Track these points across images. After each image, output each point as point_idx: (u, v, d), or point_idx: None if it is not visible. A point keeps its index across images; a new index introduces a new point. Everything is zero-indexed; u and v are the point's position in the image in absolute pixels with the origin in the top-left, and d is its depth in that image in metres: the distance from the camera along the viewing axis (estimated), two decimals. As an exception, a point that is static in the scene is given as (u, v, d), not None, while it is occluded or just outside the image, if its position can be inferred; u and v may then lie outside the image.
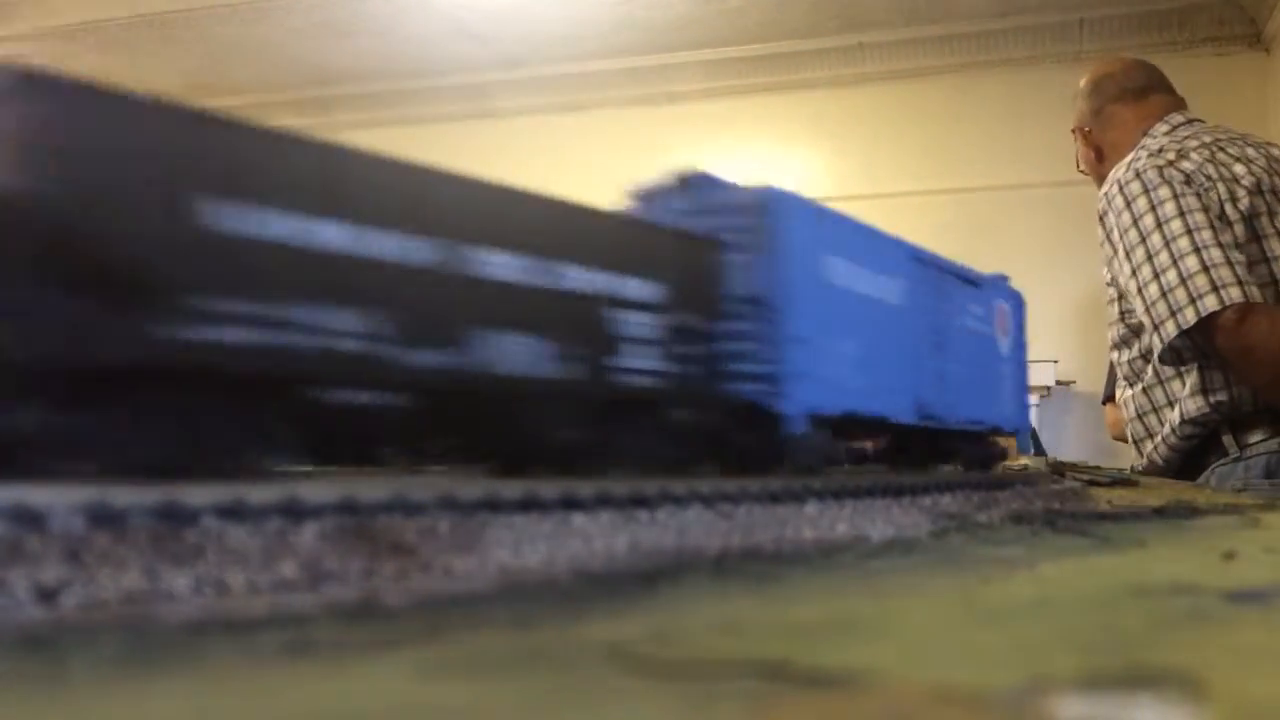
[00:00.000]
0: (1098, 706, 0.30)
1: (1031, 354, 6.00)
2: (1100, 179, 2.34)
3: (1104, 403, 3.61)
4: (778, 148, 6.52)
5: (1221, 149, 2.10)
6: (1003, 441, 1.75)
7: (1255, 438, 2.05)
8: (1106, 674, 0.34)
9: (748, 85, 6.50)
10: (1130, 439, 2.40)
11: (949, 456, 1.55)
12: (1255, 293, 1.93)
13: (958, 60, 6.17)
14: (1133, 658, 0.37)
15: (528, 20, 5.99)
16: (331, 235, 0.74)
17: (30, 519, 0.45)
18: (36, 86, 0.59)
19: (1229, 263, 1.93)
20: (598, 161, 6.71)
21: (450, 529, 0.58)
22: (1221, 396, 2.05)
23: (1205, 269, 1.93)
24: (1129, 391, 2.31)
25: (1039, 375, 5.70)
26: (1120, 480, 1.89)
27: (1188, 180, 2.02)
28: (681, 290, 1.04)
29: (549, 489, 0.67)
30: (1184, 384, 2.13)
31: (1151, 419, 2.27)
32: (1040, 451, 5.41)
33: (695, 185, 1.23)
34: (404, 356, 0.75)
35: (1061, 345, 5.83)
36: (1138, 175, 2.06)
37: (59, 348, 0.57)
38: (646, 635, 0.40)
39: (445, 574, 0.56)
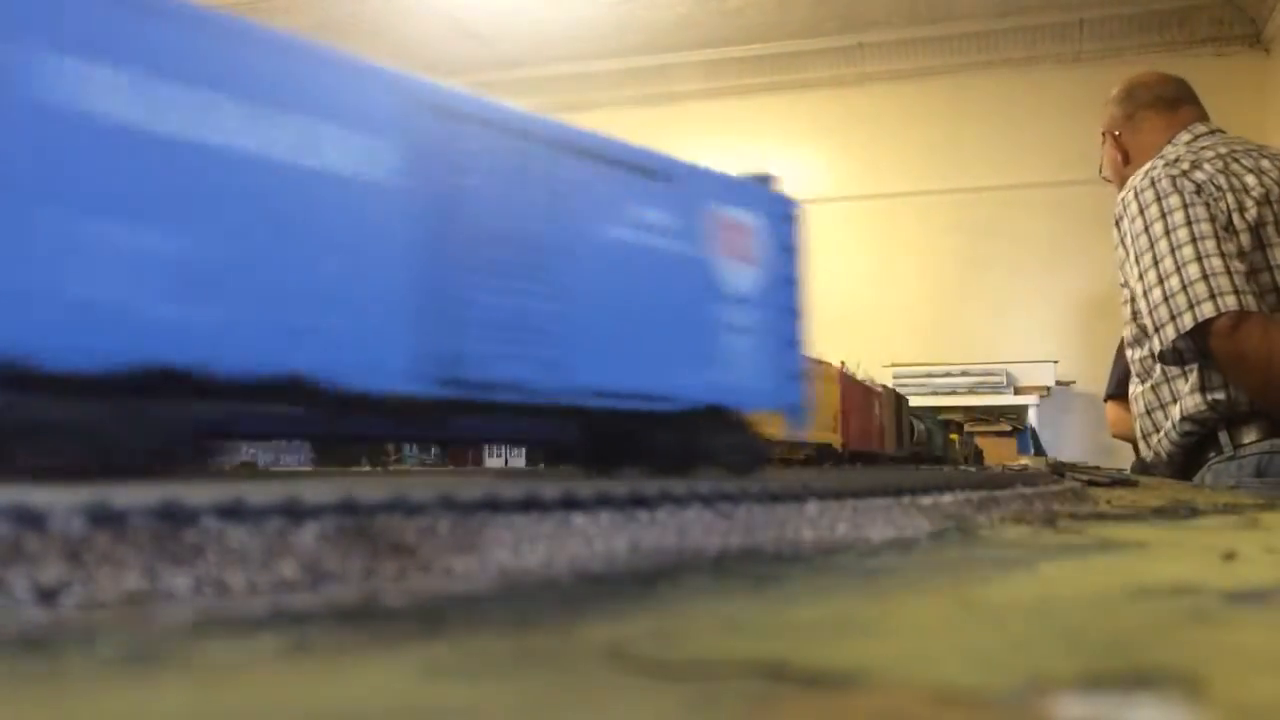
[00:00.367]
0: (1098, 707, 0.30)
1: (1031, 354, 5.92)
2: (1122, 183, 2.42)
3: (1106, 400, 3.61)
4: (778, 148, 6.52)
5: (1236, 160, 2.18)
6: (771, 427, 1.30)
7: (1249, 437, 2.16)
8: (1106, 674, 0.34)
9: (748, 85, 6.50)
10: (1139, 433, 2.49)
11: (638, 454, 1.08)
12: (1251, 301, 2.03)
13: (958, 60, 6.18)
14: (1133, 658, 0.37)
15: (528, 20, 5.99)
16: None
17: (30, 519, 0.45)
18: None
19: (1228, 271, 2.04)
20: (598, 161, 6.71)
21: (450, 529, 0.58)
22: (1219, 395, 2.15)
23: (1205, 277, 2.03)
24: (1139, 388, 2.41)
25: (1039, 375, 5.71)
26: (1120, 480, 1.92)
27: (1198, 190, 2.11)
28: None
29: (549, 489, 0.67)
30: (1186, 382, 2.22)
31: (1158, 415, 2.36)
32: (1040, 451, 5.42)
33: None
34: None
35: (1061, 345, 5.83)
36: (1153, 184, 2.16)
37: None
38: (646, 635, 0.40)
39: (445, 574, 0.56)
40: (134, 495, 0.50)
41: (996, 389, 5.66)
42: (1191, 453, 2.27)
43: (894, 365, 5.82)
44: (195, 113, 0.69)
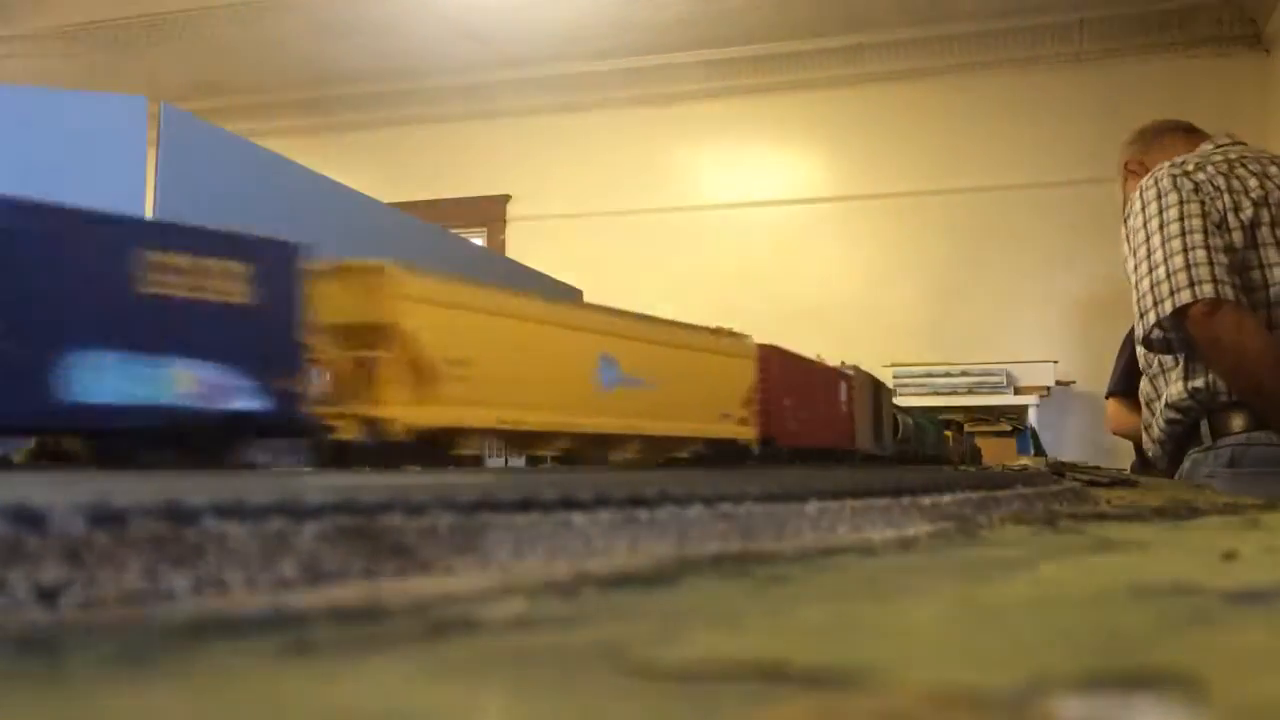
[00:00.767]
0: (1098, 707, 0.30)
1: (1031, 354, 5.83)
2: None
3: (1108, 397, 3.61)
4: (778, 148, 6.52)
5: (1243, 164, 2.29)
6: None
7: (1227, 429, 2.26)
8: (1106, 674, 0.34)
9: (748, 85, 6.51)
10: (1144, 427, 2.61)
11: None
12: (1228, 291, 2.15)
13: (958, 60, 6.18)
14: (1133, 658, 0.37)
15: (528, 20, 5.99)
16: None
17: (30, 519, 0.45)
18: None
19: (1210, 262, 2.15)
20: (598, 161, 6.71)
21: (450, 529, 0.58)
22: (1198, 383, 2.27)
23: (1188, 266, 2.16)
24: (1143, 382, 2.53)
25: (1039, 375, 5.71)
26: (1120, 480, 1.94)
27: (1196, 188, 2.23)
28: None
29: (549, 489, 0.67)
30: (1174, 372, 2.35)
31: (1155, 405, 2.47)
32: (1040, 451, 5.42)
33: None
34: None
35: (1061, 345, 5.83)
36: (1155, 183, 2.29)
37: None
38: (646, 635, 0.40)
39: (445, 574, 0.56)
40: (134, 495, 0.50)
41: (996, 389, 5.66)
42: (1180, 443, 2.38)
43: (894, 365, 5.82)
44: None
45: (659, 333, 1.68)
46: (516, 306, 1.37)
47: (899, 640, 0.41)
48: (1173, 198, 2.22)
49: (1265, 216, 2.20)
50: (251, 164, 2.19)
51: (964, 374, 5.71)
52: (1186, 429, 2.34)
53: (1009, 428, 5.67)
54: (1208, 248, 2.16)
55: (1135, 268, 2.28)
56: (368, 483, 0.75)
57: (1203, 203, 2.20)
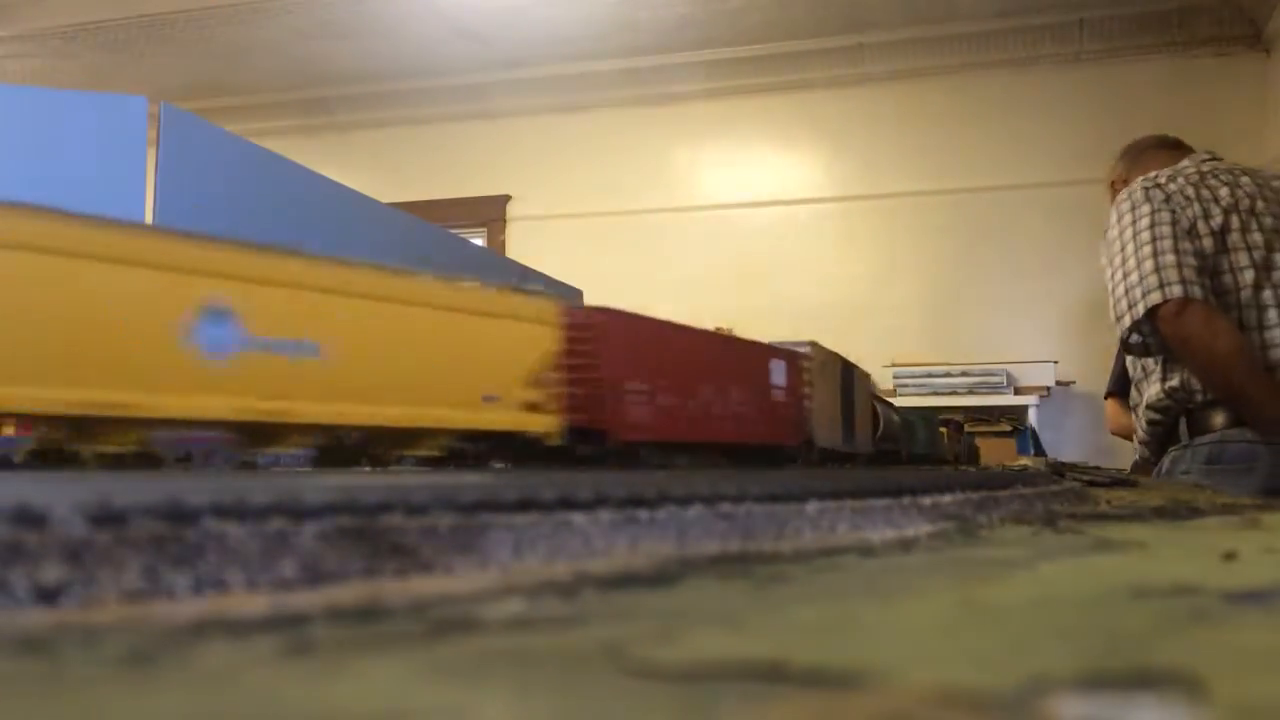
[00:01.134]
0: (1098, 707, 0.30)
1: (1031, 354, 5.76)
2: None
3: (1106, 397, 3.61)
4: (778, 148, 6.52)
5: (1215, 176, 2.41)
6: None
7: (1204, 429, 2.34)
8: (1106, 674, 0.34)
9: (748, 86, 6.50)
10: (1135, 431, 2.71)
11: None
12: (1197, 291, 2.23)
13: (958, 60, 6.18)
14: (1133, 658, 0.37)
15: (528, 20, 5.99)
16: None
17: (30, 519, 0.45)
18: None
19: (1179, 265, 2.25)
20: (598, 161, 6.71)
21: (450, 529, 0.58)
22: (1174, 383, 2.36)
23: (1158, 269, 2.26)
24: (1132, 388, 2.64)
25: (1039, 375, 5.71)
26: (1120, 480, 1.95)
27: (1167, 198, 2.35)
28: None
29: (549, 489, 0.67)
30: (1154, 375, 2.45)
31: (1139, 409, 2.58)
32: (1040, 452, 5.42)
33: None
34: None
35: (1061, 345, 5.83)
36: (1129, 196, 2.42)
37: None
38: (646, 635, 0.40)
39: (445, 574, 0.56)
40: (134, 495, 0.50)
41: (996, 389, 5.66)
42: (1162, 443, 2.47)
43: (894, 365, 5.82)
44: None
45: (341, 278, 1.13)
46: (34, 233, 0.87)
47: (899, 640, 0.41)
48: (1145, 208, 2.33)
49: (1235, 223, 2.31)
50: (251, 164, 2.19)
51: (964, 374, 5.71)
52: (1167, 429, 2.43)
53: (1009, 428, 5.67)
54: (1177, 251, 2.26)
55: (1111, 275, 2.38)
56: (368, 483, 0.75)
57: (1173, 211, 2.31)
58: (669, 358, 1.65)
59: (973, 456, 4.61)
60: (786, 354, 2.03)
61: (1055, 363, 5.73)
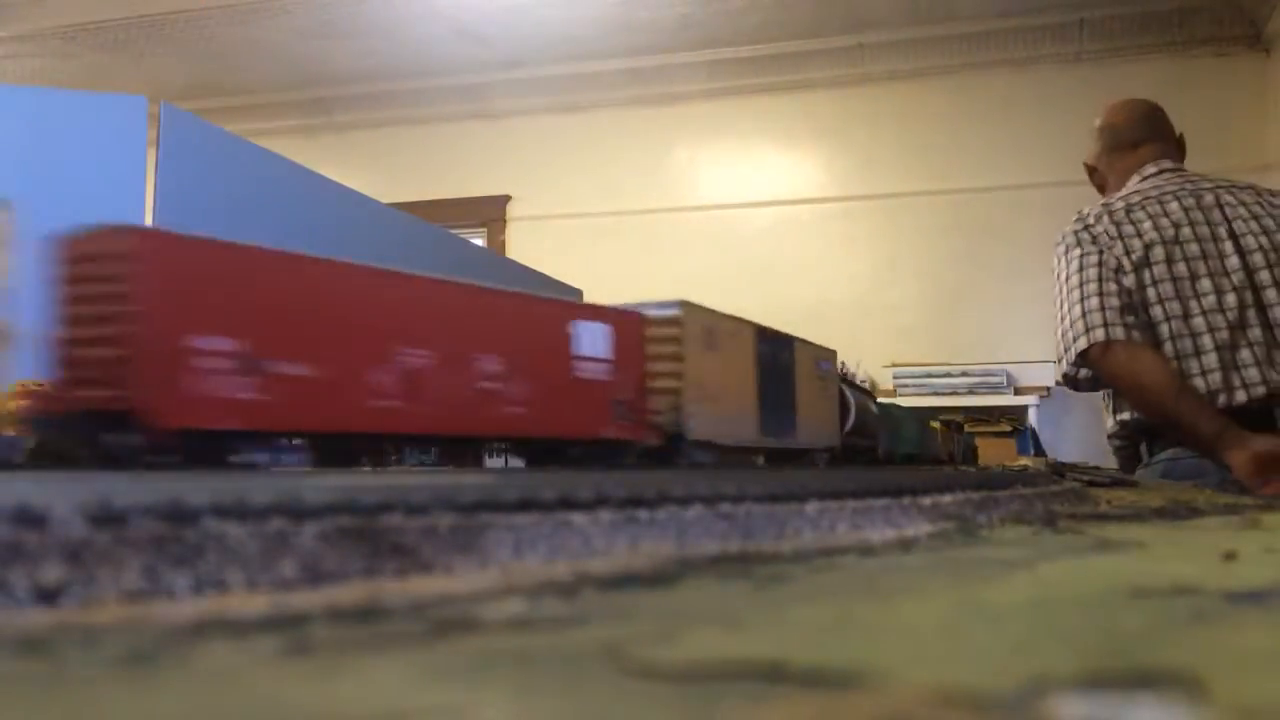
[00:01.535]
0: (1098, 707, 0.30)
1: (1031, 354, 5.71)
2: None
3: (1105, 399, 3.62)
4: (778, 148, 6.52)
5: (1143, 208, 2.50)
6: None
7: (1159, 449, 2.49)
8: (1106, 674, 0.34)
9: (748, 86, 6.50)
10: None
11: None
12: (1119, 332, 2.36)
13: (958, 60, 6.18)
14: (1133, 658, 0.37)
15: (528, 21, 5.99)
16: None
17: (30, 519, 0.45)
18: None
19: (1102, 308, 2.38)
20: (598, 161, 6.71)
21: (450, 529, 0.58)
22: (1125, 416, 2.54)
23: (1084, 315, 2.40)
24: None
25: (1039, 375, 5.71)
26: (1120, 480, 1.96)
27: (1094, 239, 2.50)
28: None
29: (549, 489, 0.67)
30: (1109, 407, 2.65)
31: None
32: (1040, 452, 5.41)
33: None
34: None
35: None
36: (1064, 238, 2.58)
37: None
38: (646, 635, 0.40)
39: (445, 574, 0.56)
40: (134, 495, 0.50)
41: (996, 389, 5.66)
42: (1130, 464, 2.64)
43: (894, 365, 5.82)
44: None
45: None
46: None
47: (899, 640, 0.41)
48: (1075, 252, 2.50)
49: (1158, 254, 2.41)
50: (251, 164, 2.19)
51: (964, 374, 5.71)
52: (1129, 454, 2.62)
53: (1009, 428, 5.66)
54: (1100, 294, 2.40)
55: (1057, 320, 2.53)
56: (368, 483, 0.74)
57: (1100, 252, 2.46)
58: (301, 306, 1.11)
59: (970, 456, 4.54)
60: (612, 316, 1.56)
61: (1055, 363, 5.72)
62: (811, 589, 0.55)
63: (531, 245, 6.52)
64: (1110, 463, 4.26)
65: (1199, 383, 2.34)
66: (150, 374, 0.98)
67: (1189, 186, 2.52)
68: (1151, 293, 2.40)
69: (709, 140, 6.60)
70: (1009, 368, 5.70)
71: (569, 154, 6.79)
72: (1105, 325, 2.36)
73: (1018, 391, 5.66)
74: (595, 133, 6.75)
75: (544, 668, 0.35)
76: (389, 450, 1.34)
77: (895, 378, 5.78)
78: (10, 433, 1.13)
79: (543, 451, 1.52)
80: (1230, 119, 5.67)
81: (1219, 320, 2.35)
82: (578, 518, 0.65)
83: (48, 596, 0.43)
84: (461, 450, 1.46)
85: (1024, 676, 0.33)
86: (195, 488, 0.59)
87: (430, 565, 0.56)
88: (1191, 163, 2.79)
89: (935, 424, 3.97)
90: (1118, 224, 2.48)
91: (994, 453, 4.98)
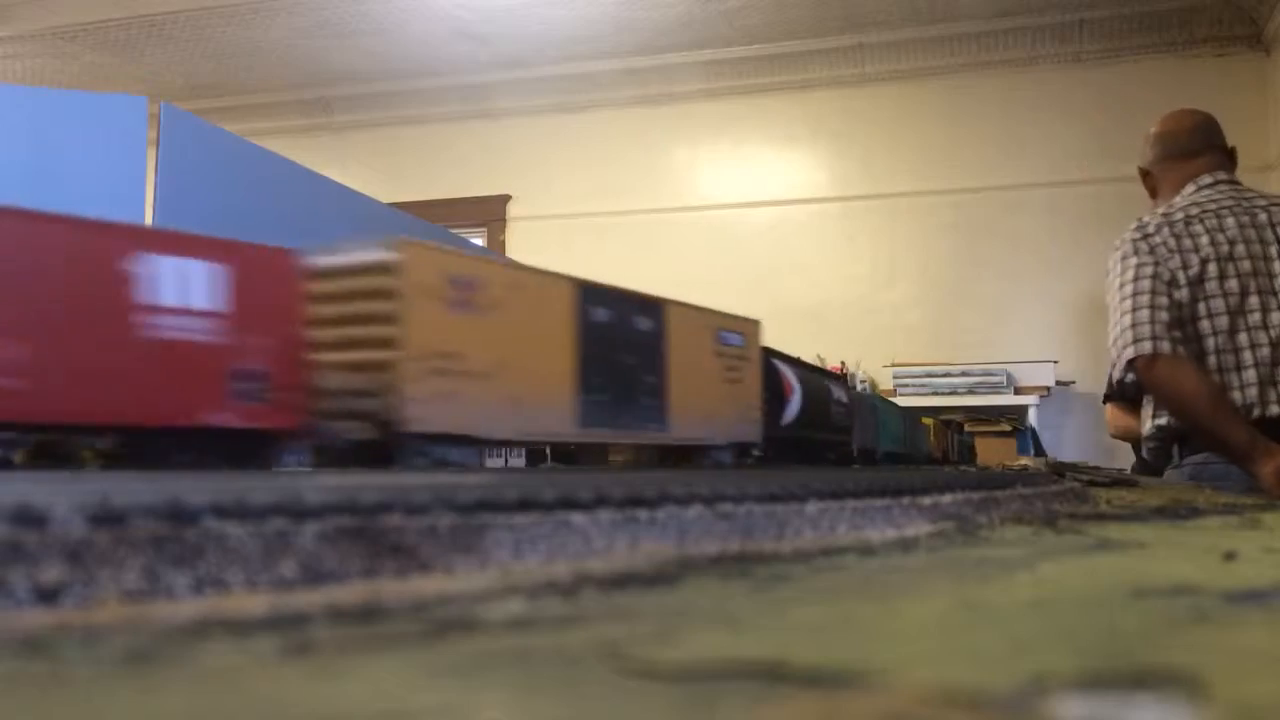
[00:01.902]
0: (1098, 707, 0.30)
1: (1031, 354, 5.71)
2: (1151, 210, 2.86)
3: (1105, 402, 3.63)
4: (778, 148, 6.52)
5: (1201, 221, 2.61)
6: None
7: (1190, 451, 2.63)
8: (1106, 674, 0.34)
9: (748, 85, 6.51)
10: None
11: None
12: (1165, 346, 2.49)
13: (958, 60, 6.18)
14: (1133, 658, 0.37)
15: (528, 20, 5.99)
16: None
17: (30, 519, 0.45)
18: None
19: (1152, 321, 2.51)
20: (598, 161, 6.71)
21: (450, 529, 0.58)
22: (1162, 421, 2.66)
23: (1134, 325, 2.52)
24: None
25: (1039, 375, 5.71)
26: (1120, 480, 1.97)
27: (1151, 250, 2.59)
28: None
29: (549, 489, 0.67)
30: (1148, 409, 2.76)
31: (1143, 437, 2.89)
32: (1040, 452, 5.42)
33: None
34: None
35: (1061, 345, 5.83)
36: (1122, 243, 2.66)
37: None
38: (646, 635, 0.40)
39: (445, 574, 0.56)
40: (134, 495, 0.50)
41: (996, 389, 5.66)
42: (1162, 461, 2.79)
43: (894, 365, 5.82)
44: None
45: None
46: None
47: (899, 640, 0.41)
48: (1132, 260, 2.59)
49: (1212, 270, 2.55)
50: (251, 164, 2.19)
51: (964, 374, 5.71)
52: (1163, 453, 2.77)
53: (1009, 428, 5.67)
54: (1151, 307, 2.52)
55: (1109, 320, 2.65)
56: (368, 483, 0.74)
57: (1156, 263, 2.57)
58: None
59: (967, 455, 4.44)
60: (227, 251, 1.12)
61: (1055, 363, 5.73)
62: (811, 589, 0.55)
63: (531, 245, 6.52)
64: (1110, 462, 4.26)
65: (1236, 395, 2.52)
66: None
67: (1244, 203, 2.66)
68: (1202, 307, 2.55)
69: (708, 140, 6.60)
70: (1009, 368, 5.70)
71: (569, 154, 6.79)
72: (1153, 339, 2.49)
73: (1018, 391, 5.66)
74: (595, 133, 6.75)
75: (544, 668, 0.35)
76: None
77: (895, 378, 5.78)
78: None
79: (129, 445, 1.05)
80: (1230, 119, 5.65)
81: (1262, 337, 2.52)
82: (578, 518, 0.65)
83: (48, 596, 0.43)
84: None
85: (1024, 676, 0.33)
86: (195, 488, 0.59)
87: (430, 565, 0.56)
88: (1193, 163, 2.89)
89: (928, 420, 3.79)
90: (1177, 236, 2.60)
91: (994, 453, 4.98)
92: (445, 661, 0.35)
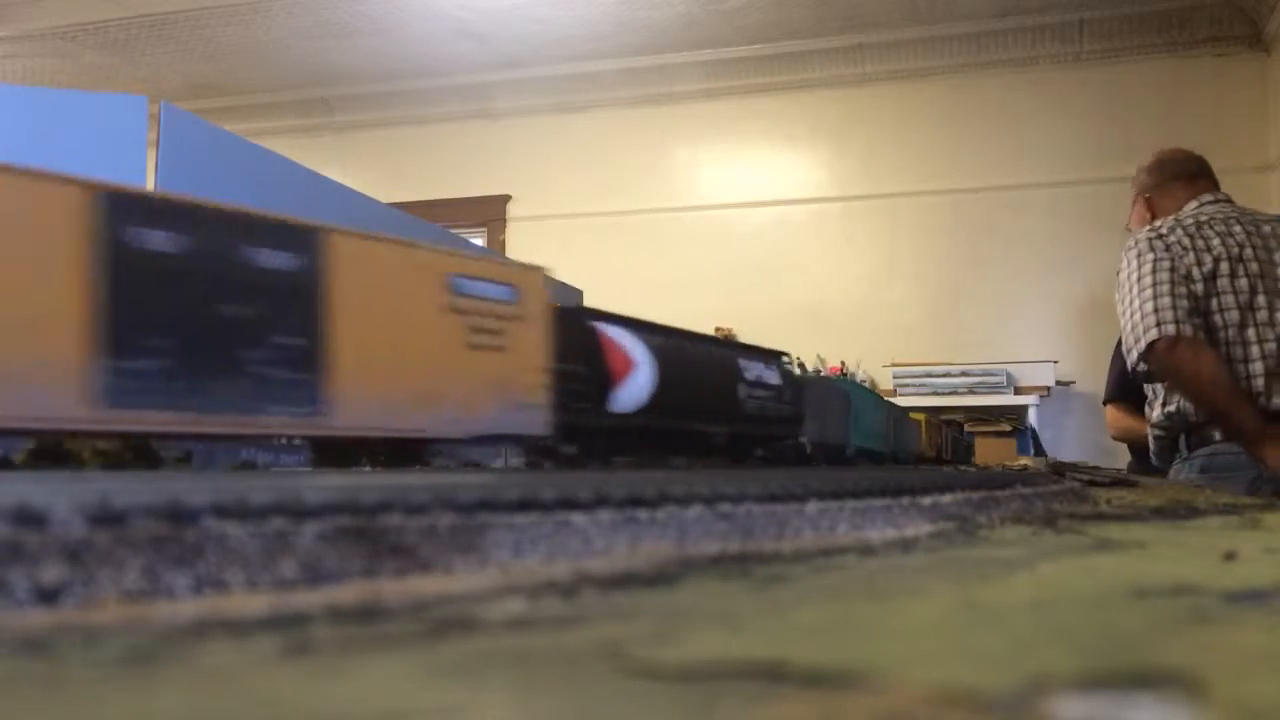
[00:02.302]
0: (1098, 707, 0.30)
1: (1031, 354, 5.77)
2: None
3: (1105, 404, 3.64)
4: (778, 148, 6.52)
5: (1210, 226, 2.76)
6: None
7: (1200, 443, 2.72)
8: (1106, 674, 0.34)
9: (748, 85, 6.51)
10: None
11: None
12: (1187, 330, 2.60)
13: (958, 60, 6.18)
14: (1133, 658, 0.37)
15: (528, 20, 5.99)
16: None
17: (30, 519, 0.45)
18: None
19: (1173, 306, 2.63)
20: (598, 161, 6.71)
21: (450, 529, 0.58)
22: (1172, 408, 2.75)
23: (1156, 310, 2.63)
24: (1146, 407, 2.99)
25: (1039, 375, 5.71)
26: (1120, 480, 1.97)
27: (1167, 247, 2.73)
28: None
29: (549, 489, 0.67)
30: (1157, 398, 2.84)
31: (1149, 427, 2.97)
32: (1040, 452, 5.42)
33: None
34: None
35: (1061, 345, 5.83)
36: (1136, 244, 2.78)
37: None
38: (646, 635, 0.40)
39: (445, 574, 0.56)
40: (134, 495, 0.50)
41: (996, 389, 5.66)
42: (1168, 454, 2.87)
43: (894, 365, 5.82)
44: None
45: None
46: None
47: (899, 640, 0.41)
48: (1148, 256, 2.71)
49: (1224, 269, 2.67)
50: (251, 164, 2.19)
51: (964, 374, 5.71)
52: (1169, 444, 2.85)
53: (1009, 428, 5.67)
54: (1172, 295, 2.64)
55: (1122, 314, 2.76)
56: (368, 483, 0.74)
57: (1172, 259, 2.69)
58: None
59: (965, 454, 4.36)
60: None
61: (1055, 363, 5.73)
62: (811, 589, 0.55)
63: (531, 245, 6.52)
64: (1110, 462, 4.26)
65: (1244, 386, 2.64)
66: None
67: (1247, 216, 2.83)
68: (1214, 303, 2.67)
69: (708, 140, 6.60)
70: (1009, 368, 5.70)
71: (569, 154, 6.79)
72: (1176, 322, 2.61)
73: (1018, 391, 5.67)
74: (595, 133, 6.75)
75: (544, 668, 0.35)
76: None
77: (895, 378, 5.79)
78: None
79: None
80: (1230, 119, 5.67)
81: (1269, 334, 2.65)
82: (578, 518, 0.65)
83: (48, 596, 0.43)
84: None
85: (1024, 676, 0.33)
86: (195, 488, 0.59)
87: (430, 565, 0.56)
88: (1192, 163, 3.06)
89: (919, 416, 3.40)
90: (1190, 236, 2.74)
91: (994, 452, 4.97)
92: (445, 661, 0.35)
